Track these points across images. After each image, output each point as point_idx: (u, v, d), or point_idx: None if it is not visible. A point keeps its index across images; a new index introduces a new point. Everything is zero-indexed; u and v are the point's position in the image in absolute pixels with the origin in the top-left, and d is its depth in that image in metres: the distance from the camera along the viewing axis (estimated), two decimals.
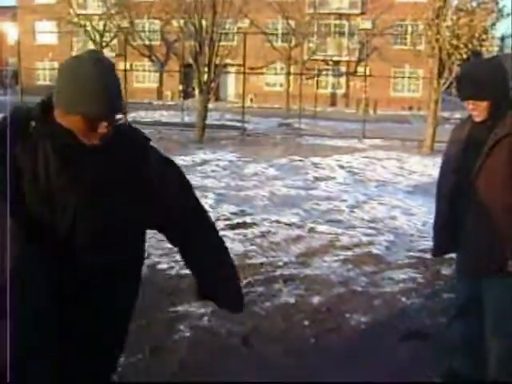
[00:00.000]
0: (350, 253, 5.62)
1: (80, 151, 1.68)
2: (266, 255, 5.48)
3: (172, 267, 4.91)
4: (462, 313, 2.86)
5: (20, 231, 1.56)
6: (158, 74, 39.36)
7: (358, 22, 36.25)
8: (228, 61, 18.99)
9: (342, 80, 37.90)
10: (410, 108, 34.76)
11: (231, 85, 38.09)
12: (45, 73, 38.34)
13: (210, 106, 18.80)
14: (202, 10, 15.68)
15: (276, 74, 37.12)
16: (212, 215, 6.87)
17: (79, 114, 1.64)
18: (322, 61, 36.52)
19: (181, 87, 31.20)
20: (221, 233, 6.76)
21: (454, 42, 14.09)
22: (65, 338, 1.71)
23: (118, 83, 1.70)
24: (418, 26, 26.00)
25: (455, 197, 2.74)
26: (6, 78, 36.87)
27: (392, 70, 33.89)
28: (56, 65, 36.90)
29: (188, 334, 3.71)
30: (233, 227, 6.45)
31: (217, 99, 34.75)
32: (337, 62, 37.28)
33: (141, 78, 39.76)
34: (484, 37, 14.33)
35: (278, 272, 4.99)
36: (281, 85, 36.63)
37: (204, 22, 15.78)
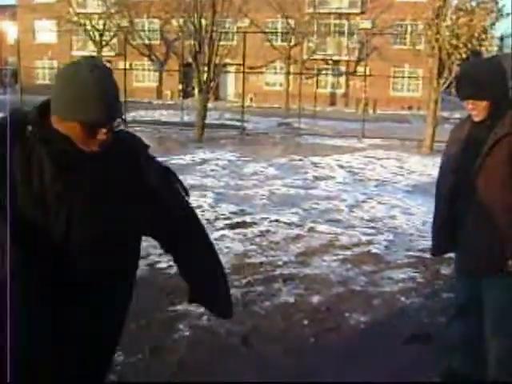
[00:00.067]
0: (349, 252, 5.62)
1: (78, 157, 1.67)
2: (266, 254, 5.48)
3: (171, 266, 4.90)
4: (461, 312, 2.86)
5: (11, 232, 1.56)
6: (157, 74, 39.34)
7: (357, 22, 36.24)
8: (227, 60, 18.95)
9: (342, 79, 37.89)
10: (410, 108, 34.77)
11: (231, 84, 38.08)
12: (44, 72, 38.30)
13: (210, 105, 18.79)
14: (201, 9, 15.67)
15: (275, 73, 37.13)
16: (211, 214, 6.94)
17: (77, 121, 1.62)
18: (322, 60, 36.51)
19: (180, 86, 31.18)
20: (220, 232, 6.74)
21: (454, 41, 14.09)
22: (60, 340, 1.71)
23: (115, 89, 1.68)
24: (417, 25, 25.95)
25: (454, 196, 2.74)
26: (6, 76, 36.83)
27: (392, 70, 33.89)
28: (55, 64, 37.03)
29: (187, 334, 3.71)
30: (232, 226, 6.45)
31: (216, 98, 34.74)
32: (336, 62, 37.27)
33: (140, 77, 39.74)
34: (483, 36, 14.33)
35: (278, 271, 4.99)
36: (280, 84, 36.62)
37: (204, 22, 15.78)
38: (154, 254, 5.12)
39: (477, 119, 2.64)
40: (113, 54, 35.91)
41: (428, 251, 4.21)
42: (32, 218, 1.63)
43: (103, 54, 35.11)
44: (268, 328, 3.87)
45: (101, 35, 35.31)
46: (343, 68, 37.42)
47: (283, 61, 35.59)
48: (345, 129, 20.90)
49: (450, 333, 2.98)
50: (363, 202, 8.17)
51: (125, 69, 20.79)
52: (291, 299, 4.38)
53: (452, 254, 3.06)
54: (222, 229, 6.35)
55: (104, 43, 35.55)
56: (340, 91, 38.03)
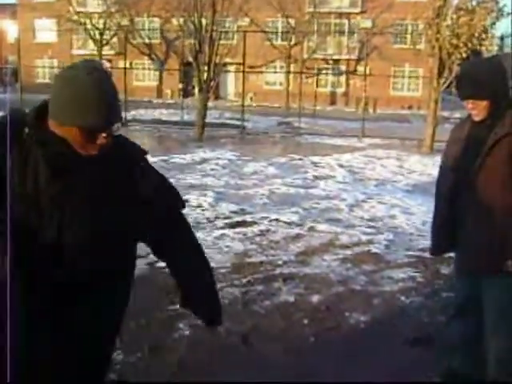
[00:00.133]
0: (349, 252, 5.63)
1: (75, 160, 1.66)
2: (266, 254, 5.48)
3: None
4: (461, 312, 2.86)
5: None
6: (157, 73, 39.33)
7: (358, 21, 36.22)
8: (228, 59, 18.93)
9: (342, 79, 37.87)
10: (410, 107, 34.75)
11: (231, 83, 38.07)
12: (44, 71, 38.29)
13: (210, 104, 18.79)
14: (201, 8, 15.67)
15: (276, 72, 37.11)
16: (211, 214, 6.94)
17: (76, 126, 1.61)
18: (322, 59, 36.48)
19: (180, 85, 31.16)
20: (220, 231, 6.73)
21: (454, 41, 14.08)
22: (60, 340, 1.71)
23: (114, 92, 1.66)
24: (418, 25, 25.97)
25: (454, 196, 2.74)
26: (6, 75, 36.80)
27: (392, 69, 33.85)
28: (56, 63, 37.03)
29: (187, 333, 3.71)
30: (232, 226, 6.45)
31: (216, 98, 34.73)
32: (337, 61, 37.25)
33: (141, 76, 39.73)
34: (484, 36, 14.32)
35: (278, 271, 4.99)
36: (280, 83, 36.59)
37: (204, 21, 15.77)
38: None
39: (477, 119, 2.64)
40: (113, 52, 35.90)
41: (427, 251, 4.21)
42: (26, 219, 1.62)
43: (103, 52, 35.13)
44: (268, 327, 3.88)
45: (101, 34, 35.27)
46: (343, 67, 37.40)
47: (283, 60, 35.57)
48: (345, 128, 20.90)
49: (449, 333, 2.98)
50: (363, 201, 8.17)
51: (125, 68, 20.79)
52: (291, 298, 4.38)
53: (452, 254, 3.06)
54: (222, 228, 6.35)
55: (104, 42, 35.51)
56: (340, 90, 38.02)
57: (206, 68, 16.01)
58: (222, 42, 16.59)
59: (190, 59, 16.76)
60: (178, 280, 2.01)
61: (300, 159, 12.52)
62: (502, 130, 2.55)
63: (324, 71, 37.15)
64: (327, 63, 37.12)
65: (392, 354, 3.56)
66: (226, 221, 6.67)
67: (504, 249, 2.56)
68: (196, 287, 1.99)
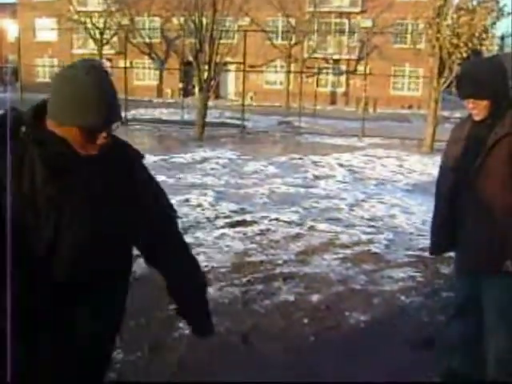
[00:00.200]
0: (349, 251, 5.62)
1: (74, 160, 1.66)
2: (266, 253, 5.48)
3: None
4: (461, 312, 2.86)
5: None
6: (158, 72, 39.32)
7: (358, 21, 36.22)
8: (228, 59, 18.93)
9: (342, 78, 37.88)
10: (410, 107, 34.76)
11: (231, 83, 38.07)
12: (44, 70, 38.26)
13: (210, 103, 18.79)
14: (202, 7, 15.67)
15: (276, 72, 37.11)
16: (211, 213, 6.94)
17: (76, 126, 1.60)
18: (322, 59, 36.47)
19: (181, 85, 31.15)
20: (220, 231, 6.72)
21: (455, 40, 14.08)
22: (60, 340, 1.71)
23: (113, 91, 1.66)
24: (418, 24, 25.94)
25: (454, 196, 2.74)
26: (6, 74, 36.81)
27: (392, 69, 33.85)
28: (56, 62, 37.01)
29: (187, 332, 3.70)
30: (232, 225, 6.45)
31: (217, 97, 34.72)
32: (337, 61, 37.24)
33: (141, 75, 39.73)
34: (484, 36, 14.31)
35: (278, 270, 4.99)
36: (281, 83, 36.60)
37: (204, 20, 15.76)
38: None
39: (477, 118, 2.64)
40: (113, 52, 35.89)
41: (427, 250, 4.21)
42: (22, 219, 1.60)
43: (104, 52, 35.12)
44: (268, 326, 3.88)
45: (101, 33, 35.27)
46: (344, 67, 37.40)
47: (284, 59, 35.58)
48: (345, 128, 20.89)
49: (449, 332, 2.98)
50: (363, 200, 8.17)
51: (125, 67, 20.80)
52: (291, 298, 4.38)
53: (452, 254, 3.06)
54: (222, 227, 6.35)
55: (104, 41, 35.51)
56: (340, 90, 38.02)
57: (206, 67, 16.01)
58: (222, 41, 16.59)
59: (191, 58, 16.76)
60: (169, 285, 2.01)
61: (300, 158, 12.52)
62: (502, 130, 2.55)
63: (324, 71, 37.14)
64: (327, 63, 37.11)
65: (392, 353, 3.56)
66: (226, 220, 6.67)
67: (504, 249, 2.56)
68: (187, 298, 2.00)
